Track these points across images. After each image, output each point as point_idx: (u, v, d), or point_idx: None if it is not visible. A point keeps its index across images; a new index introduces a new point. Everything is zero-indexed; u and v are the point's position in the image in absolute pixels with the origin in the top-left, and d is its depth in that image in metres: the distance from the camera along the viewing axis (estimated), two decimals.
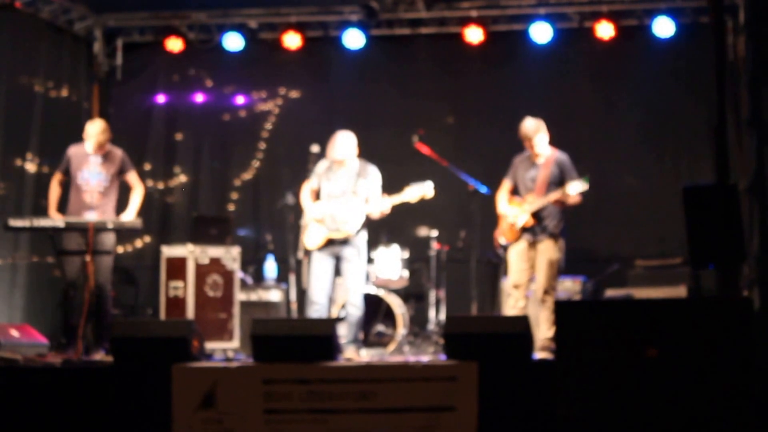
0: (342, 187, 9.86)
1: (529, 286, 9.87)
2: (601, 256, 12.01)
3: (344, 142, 9.93)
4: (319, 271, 9.79)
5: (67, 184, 10.17)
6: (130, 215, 9.96)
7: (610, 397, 6.50)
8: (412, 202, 9.80)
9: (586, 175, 9.76)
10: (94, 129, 10.14)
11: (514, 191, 10.05)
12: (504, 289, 10.90)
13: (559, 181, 9.79)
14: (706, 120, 11.17)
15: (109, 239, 9.76)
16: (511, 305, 9.86)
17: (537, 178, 9.87)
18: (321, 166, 10.04)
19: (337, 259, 9.83)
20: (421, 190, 9.76)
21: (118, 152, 10.22)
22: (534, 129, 9.89)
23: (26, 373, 7.70)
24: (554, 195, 9.70)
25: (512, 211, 9.92)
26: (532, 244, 9.80)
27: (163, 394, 7.29)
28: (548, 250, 9.73)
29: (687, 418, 6.35)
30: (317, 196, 9.95)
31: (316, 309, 9.72)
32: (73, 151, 10.16)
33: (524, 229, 9.81)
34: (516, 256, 9.87)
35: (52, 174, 10.28)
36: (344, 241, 9.76)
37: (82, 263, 9.44)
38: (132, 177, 10.29)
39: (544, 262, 9.72)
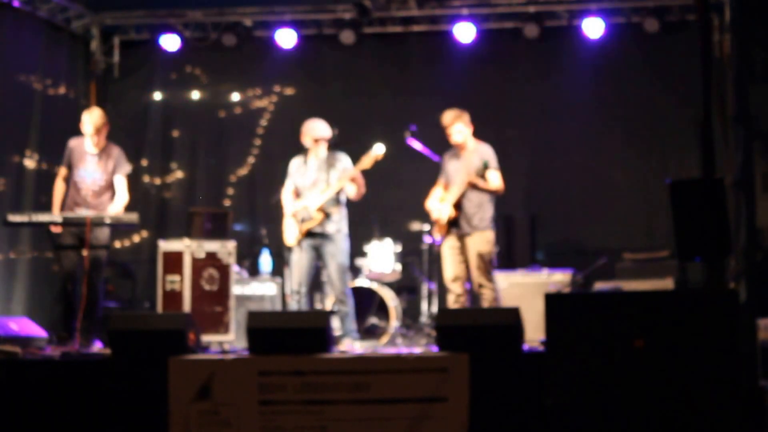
0: (312, 178, 9.99)
1: (466, 278, 9.89)
2: (589, 249, 12.07)
3: (322, 125, 10.07)
4: (297, 262, 9.94)
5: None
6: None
7: (599, 387, 6.54)
8: (368, 167, 9.88)
9: (490, 161, 9.80)
10: (93, 115, 9.92)
11: (448, 188, 10.04)
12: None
13: (482, 172, 9.77)
14: (693, 116, 11.23)
15: (103, 234, 9.71)
16: (453, 300, 9.88)
17: (459, 170, 9.87)
18: (292, 165, 10.16)
19: (318, 254, 9.95)
20: (373, 153, 9.84)
21: (115, 150, 10.03)
22: (449, 118, 9.92)
23: (26, 365, 7.72)
24: (466, 179, 9.70)
25: (435, 205, 9.97)
26: (461, 238, 9.83)
27: (160, 385, 7.30)
28: (477, 244, 9.77)
29: (674, 408, 6.40)
30: (298, 195, 10.10)
31: (296, 299, 9.89)
32: (73, 144, 9.98)
33: (451, 223, 9.84)
34: (449, 250, 9.90)
35: (51, 170, 10.18)
36: (323, 236, 9.89)
37: (78, 258, 9.51)
38: (119, 181, 9.94)
39: (474, 256, 9.76)
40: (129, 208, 10.01)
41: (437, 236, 10.10)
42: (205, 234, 11.26)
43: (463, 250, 9.85)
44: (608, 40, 12.57)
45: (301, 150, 10.17)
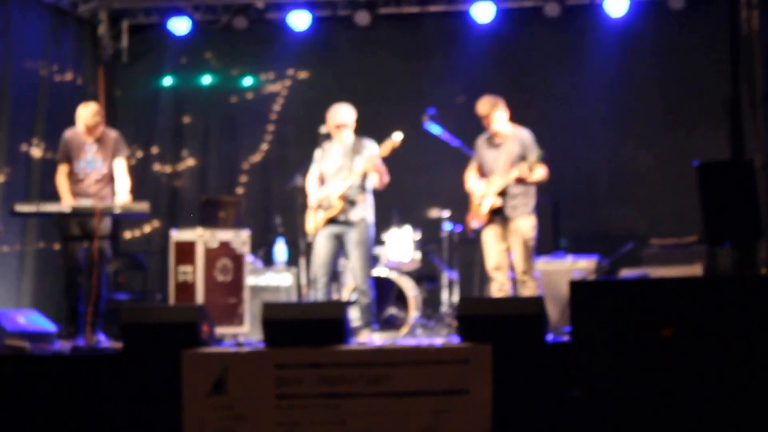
0: (337, 164, 9.76)
1: (509, 266, 9.76)
2: (615, 235, 11.90)
3: (345, 110, 9.83)
4: (318, 250, 9.71)
5: None
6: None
7: (625, 378, 6.48)
8: (386, 155, 9.61)
9: (540, 152, 9.63)
10: (86, 112, 9.71)
11: (482, 173, 9.90)
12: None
13: (521, 158, 9.64)
14: (721, 96, 11.10)
15: (106, 225, 9.57)
16: (497, 289, 9.74)
17: (499, 158, 9.72)
18: (318, 153, 9.95)
19: (341, 242, 9.75)
20: (391, 141, 9.56)
21: (112, 134, 9.84)
22: (489, 106, 9.74)
23: (35, 360, 7.66)
24: (515, 173, 9.58)
25: (479, 191, 9.80)
26: (504, 225, 9.68)
27: (174, 380, 7.27)
28: (521, 230, 9.62)
29: (703, 399, 6.32)
30: (322, 182, 9.90)
31: (314, 287, 9.68)
32: (69, 135, 9.79)
33: (493, 212, 9.68)
34: (491, 238, 9.74)
35: (56, 161, 10.06)
36: (347, 223, 9.68)
37: (83, 249, 9.44)
38: (119, 164, 9.75)
39: (518, 243, 9.61)
40: (139, 196, 9.96)
41: (474, 223, 9.91)
42: (218, 223, 11.15)
43: (506, 237, 9.71)
44: (632, 18, 12.38)
45: (316, 135, 9.97)
